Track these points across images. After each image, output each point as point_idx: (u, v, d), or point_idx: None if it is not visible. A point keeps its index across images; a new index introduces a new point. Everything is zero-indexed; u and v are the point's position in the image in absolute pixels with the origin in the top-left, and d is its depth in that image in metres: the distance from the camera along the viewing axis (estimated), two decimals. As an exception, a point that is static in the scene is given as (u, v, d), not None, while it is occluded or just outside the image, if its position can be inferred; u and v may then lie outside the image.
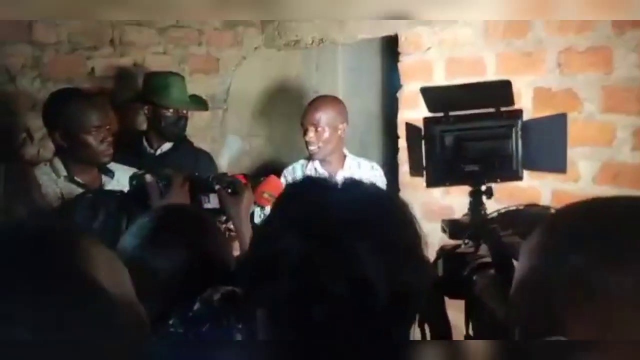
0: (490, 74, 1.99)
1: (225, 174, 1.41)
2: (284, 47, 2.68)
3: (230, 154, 2.63)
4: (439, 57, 2.16)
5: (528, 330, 0.55)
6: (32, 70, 2.10)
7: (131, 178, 1.33)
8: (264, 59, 2.71)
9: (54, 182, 1.71)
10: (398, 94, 2.28)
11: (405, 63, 2.25)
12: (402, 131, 2.23)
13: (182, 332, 0.74)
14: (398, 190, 2.30)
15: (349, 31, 2.43)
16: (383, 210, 0.64)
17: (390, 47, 2.44)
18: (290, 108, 2.63)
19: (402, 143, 2.20)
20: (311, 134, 2.06)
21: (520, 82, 1.94)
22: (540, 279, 0.54)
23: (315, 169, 2.11)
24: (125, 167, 1.78)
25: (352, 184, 0.66)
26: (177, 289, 0.85)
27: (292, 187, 0.72)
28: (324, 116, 2.06)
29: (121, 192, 1.30)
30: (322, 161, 2.11)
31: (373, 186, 0.68)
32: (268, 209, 1.47)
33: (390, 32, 2.29)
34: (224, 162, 2.57)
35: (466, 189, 1.02)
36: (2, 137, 2.07)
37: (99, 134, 1.68)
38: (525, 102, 1.94)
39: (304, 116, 2.11)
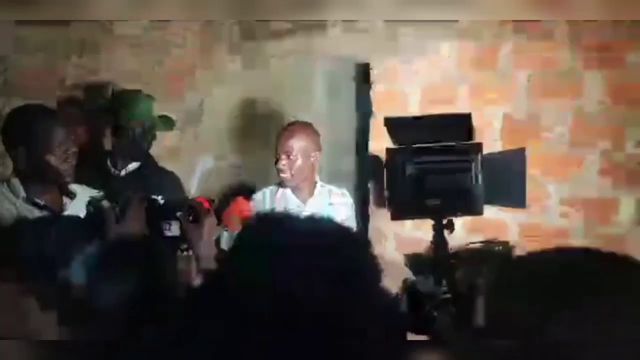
0: (462, 104, 2.02)
1: (186, 198, 1.38)
2: (260, 67, 2.68)
3: (201, 175, 2.60)
4: (412, 86, 2.19)
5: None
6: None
7: (88, 203, 1.29)
8: (239, 78, 2.70)
9: (12, 203, 1.65)
10: (370, 122, 2.29)
11: (377, 91, 2.27)
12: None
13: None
14: (367, 218, 2.29)
15: (323, 50, 2.43)
16: (342, 249, 0.64)
17: (364, 74, 2.45)
18: (264, 129, 2.62)
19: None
20: (283, 162, 2.03)
21: (490, 112, 1.97)
22: (497, 322, 0.54)
23: (284, 194, 2.08)
24: (87, 189, 1.73)
25: (315, 221, 0.66)
26: (123, 323, 0.81)
27: (257, 219, 0.72)
28: (296, 144, 2.04)
29: (77, 217, 1.25)
30: (293, 188, 2.09)
31: (334, 223, 0.68)
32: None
33: (363, 60, 2.31)
34: (195, 183, 2.53)
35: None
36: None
37: (62, 153, 1.63)
38: (496, 132, 1.96)
39: (277, 143, 2.09)
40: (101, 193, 1.42)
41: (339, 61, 2.41)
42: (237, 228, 1.63)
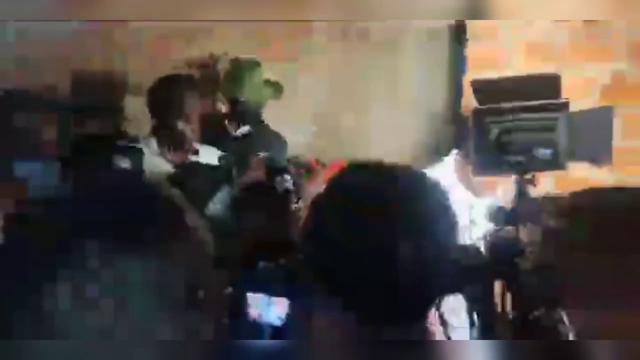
0: (563, 62, 1.96)
1: (299, 157, 1.58)
2: (351, 41, 2.72)
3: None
4: (510, 45, 2.15)
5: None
6: (126, 55, 2.34)
7: (220, 158, 1.57)
8: (331, 53, 2.77)
9: (149, 159, 1.96)
10: (463, 82, 2.30)
11: (472, 50, 2.26)
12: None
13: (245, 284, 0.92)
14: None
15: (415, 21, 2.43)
16: (422, 193, 0.74)
17: (457, 34, 2.43)
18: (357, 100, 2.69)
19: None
20: None
21: (594, 70, 1.89)
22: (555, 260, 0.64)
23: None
24: (210, 148, 2.01)
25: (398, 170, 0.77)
26: (253, 252, 1.03)
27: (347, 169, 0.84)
28: None
29: (216, 167, 1.54)
30: None
31: (414, 170, 0.78)
32: None
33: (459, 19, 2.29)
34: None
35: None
36: (101, 115, 2.34)
37: (191, 118, 1.91)
38: (596, 90, 1.90)
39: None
40: (226, 153, 1.71)
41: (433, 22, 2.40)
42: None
